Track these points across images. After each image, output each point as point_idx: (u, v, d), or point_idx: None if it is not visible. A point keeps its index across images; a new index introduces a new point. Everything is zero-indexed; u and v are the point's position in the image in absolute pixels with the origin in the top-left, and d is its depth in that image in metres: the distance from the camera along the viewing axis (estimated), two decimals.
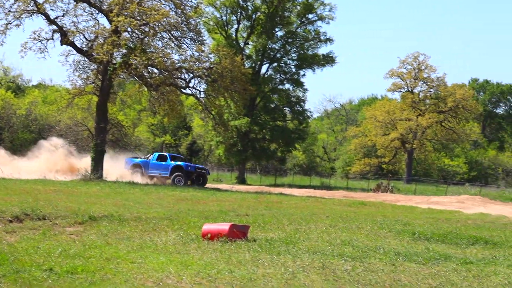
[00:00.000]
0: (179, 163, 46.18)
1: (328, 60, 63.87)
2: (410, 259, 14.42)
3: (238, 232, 15.96)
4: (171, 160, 46.69)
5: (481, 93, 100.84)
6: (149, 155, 49.34)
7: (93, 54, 42.34)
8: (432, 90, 70.57)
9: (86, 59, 44.19)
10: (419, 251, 15.83)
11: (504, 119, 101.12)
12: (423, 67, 70.17)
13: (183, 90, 47.88)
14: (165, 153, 50.08)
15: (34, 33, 42.70)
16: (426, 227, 21.52)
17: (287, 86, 64.83)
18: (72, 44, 43.74)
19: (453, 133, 70.16)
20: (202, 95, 48.49)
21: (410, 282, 11.87)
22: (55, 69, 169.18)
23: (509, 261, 15.20)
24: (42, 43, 42.84)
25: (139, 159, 48.06)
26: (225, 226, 16.02)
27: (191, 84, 47.05)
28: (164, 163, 46.27)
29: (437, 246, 17.13)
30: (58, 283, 10.29)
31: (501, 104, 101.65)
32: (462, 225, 23.74)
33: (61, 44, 43.53)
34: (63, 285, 10.20)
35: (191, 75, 46.21)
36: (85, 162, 44.44)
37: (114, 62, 43.69)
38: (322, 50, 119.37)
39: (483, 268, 13.93)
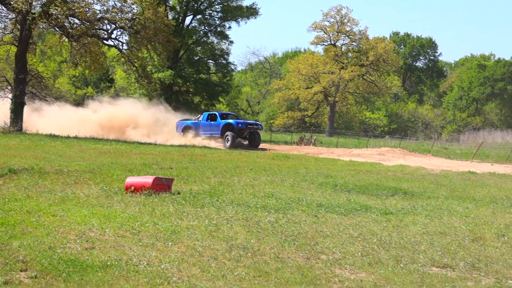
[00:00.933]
0: (229, 121, 42.82)
1: (252, 12, 63.51)
2: (332, 210, 14.67)
3: (162, 185, 15.92)
4: (221, 118, 43.61)
5: (402, 46, 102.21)
6: (199, 115, 46.31)
7: (11, 2, 41.08)
8: (354, 43, 71.19)
9: (3, 7, 42.86)
10: (341, 202, 16.11)
11: (423, 73, 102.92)
12: (345, 21, 70.66)
13: (105, 41, 46.98)
14: (214, 112, 46.16)
15: None
16: (347, 179, 21.89)
17: (211, 38, 64.37)
18: None
19: (374, 86, 71.10)
20: (125, 46, 47.70)
21: (331, 232, 12.08)
22: None
23: (427, 211, 15.62)
24: None
25: (189, 121, 45.39)
26: (148, 179, 15.94)
27: (113, 36, 46.15)
28: (214, 122, 43.31)
29: (358, 197, 17.46)
30: None
31: (420, 58, 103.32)
32: (382, 176, 24.22)
33: None
34: None
35: (113, 26, 45.33)
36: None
37: (34, 11, 42.50)
38: (246, 2, 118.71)
39: (402, 218, 14.29)
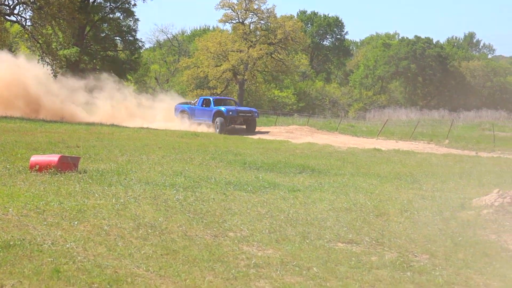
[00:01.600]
0: (221, 108, 41.04)
1: None
2: (240, 188, 14.74)
3: (67, 164, 15.64)
4: (215, 104, 41.95)
5: (309, 25, 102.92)
6: (196, 100, 45.20)
7: None
8: (262, 21, 71.34)
9: None
10: (249, 180, 16.20)
11: (330, 51, 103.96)
12: None
13: (7, 17, 45.75)
14: (209, 97, 44.26)
15: None
16: (256, 157, 22.02)
17: (117, 14, 63.37)
18: None
19: (283, 65, 71.43)
20: (28, 22, 46.55)
21: (240, 210, 12.14)
22: None
23: (334, 187, 15.87)
24: None
25: (186, 105, 44.02)
26: (54, 158, 15.64)
27: (15, 11, 45.07)
28: (207, 108, 41.89)
29: (266, 175, 17.59)
30: None
31: (327, 36, 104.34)
32: (290, 154, 24.48)
33: None
34: None
35: (16, 1, 44.21)
36: None
37: None
38: None
39: (310, 195, 14.48)
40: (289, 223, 11.29)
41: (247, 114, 41.55)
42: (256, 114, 42.68)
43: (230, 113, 40.53)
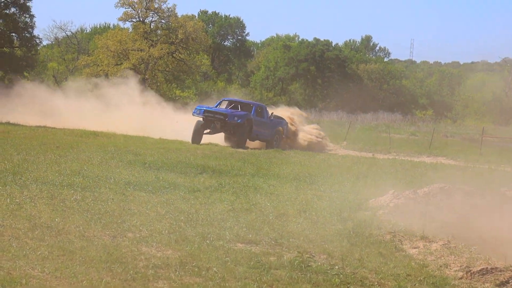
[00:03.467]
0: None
1: None
2: (140, 188, 14.61)
3: None
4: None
5: (210, 25, 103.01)
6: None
7: None
8: (163, 21, 70.90)
9: None
10: (149, 180, 16.08)
11: (231, 52, 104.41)
12: None
13: None
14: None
15: None
16: (156, 157, 21.85)
17: (12, 10, 61.67)
18: None
19: (184, 65, 71.17)
20: None
21: (139, 210, 12.04)
22: None
23: (234, 188, 15.94)
24: None
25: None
26: None
27: None
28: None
29: (167, 175, 17.48)
30: None
31: (229, 37, 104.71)
32: (191, 154, 24.40)
33: None
34: None
35: None
36: None
37: None
38: None
39: (210, 195, 14.50)
40: (189, 223, 11.28)
41: (216, 116, 31.27)
42: (230, 118, 31.05)
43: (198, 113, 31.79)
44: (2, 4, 60.40)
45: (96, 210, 11.64)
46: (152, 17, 71.02)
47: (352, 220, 12.67)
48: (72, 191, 13.42)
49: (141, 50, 67.15)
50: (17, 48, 61.47)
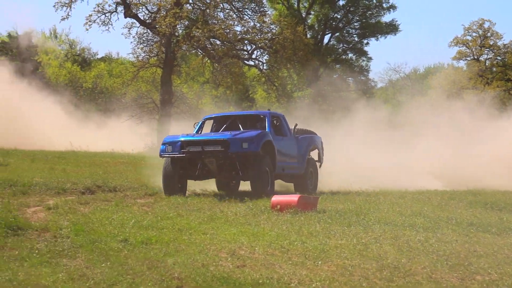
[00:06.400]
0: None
1: (392, 28, 63.09)
2: (483, 230, 14.17)
3: (307, 204, 15.92)
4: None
5: None
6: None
7: (156, 26, 42.64)
8: (498, 58, 69.05)
9: (149, 31, 44.58)
10: (492, 221, 15.52)
11: None
12: (488, 34, 68.61)
13: (245, 61, 47.94)
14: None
15: (98, 6, 43.41)
16: (497, 197, 21.12)
17: (350, 55, 64.32)
18: (135, 17, 44.25)
19: None
20: (265, 66, 48.47)
21: (485, 252, 11.65)
22: (119, 42, 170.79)
23: None
24: (105, 16, 43.50)
25: None
26: (294, 198, 15.99)
27: (253, 56, 47.09)
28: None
29: (511, 216, 16.77)
30: (133, 253, 10.43)
31: None
32: None
33: (125, 17, 44.05)
34: (139, 255, 10.33)
35: (253, 46, 46.21)
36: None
37: (177, 34, 43.95)
38: (385, 18, 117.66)
39: None
40: None
41: (209, 148, 18.79)
42: (257, 143, 18.84)
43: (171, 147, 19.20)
44: (340, 50, 63.14)
45: (441, 252, 11.49)
46: (487, 55, 69.49)
47: None
48: (414, 232, 13.41)
49: (475, 88, 65.99)
50: (353, 92, 63.76)
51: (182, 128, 47.18)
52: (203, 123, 21.77)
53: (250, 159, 18.79)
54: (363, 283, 9.23)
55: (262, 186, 18.84)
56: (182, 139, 19.11)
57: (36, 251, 10.47)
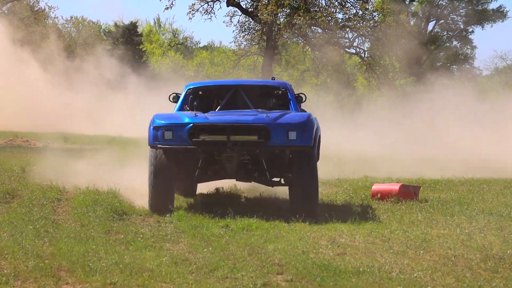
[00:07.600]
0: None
1: (499, 15, 61.38)
2: None
3: (408, 193, 15.71)
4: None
5: None
6: None
7: (258, 15, 42.83)
8: None
9: (251, 19, 44.84)
10: None
11: None
12: None
13: (346, 49, 47.64)
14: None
15: None
16: None
17: (454, 43, 62.96)
18: (237, 5, 44.61)
19: None
20: (366, 54, 48.03)
21: None
22: (221, 30, 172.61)
23: None
24: (208, 4, 44.00)
25: None
26: (395, 186, 15.81)
27: (354, 44, 46.75)
28: None
29: None
30: (234, 239, 10.55)
31: None
32: None
33: (227, 6, 44.46)
34: (239, 241, 10.44)
35: (355, 34, 45.85)
36: None
37: (278, 22, 44.04)
38: (492, 5, 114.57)
39: None
40: None
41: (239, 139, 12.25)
42: (309, 134, 12.70)
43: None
44: (445, 37, 61.91)
45: None
46: None
47: None
48: None
49: None
50: (457, 79, 62.43)
51: None
52: (187, 95, 14.38)
53: (299, 156, 12.76)
54: (467, 274, 9.03)
55: (312, 198, 12.90)
56: (194, 122, 12.24)
57: (141, 236, 10.75)
